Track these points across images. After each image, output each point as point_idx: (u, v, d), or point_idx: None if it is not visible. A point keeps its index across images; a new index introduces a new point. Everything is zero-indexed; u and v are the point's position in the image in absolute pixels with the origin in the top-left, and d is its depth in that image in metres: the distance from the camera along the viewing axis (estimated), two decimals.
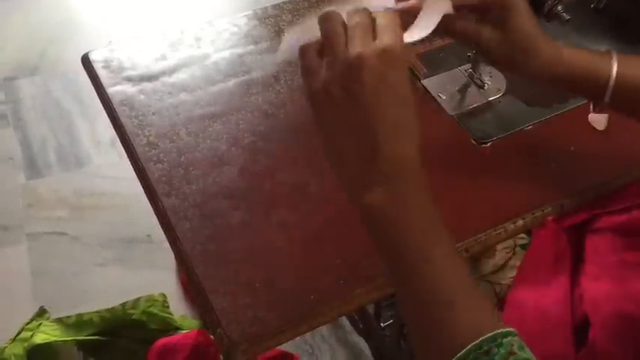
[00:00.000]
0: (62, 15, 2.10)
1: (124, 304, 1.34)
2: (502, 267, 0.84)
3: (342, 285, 0.65)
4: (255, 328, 0.62)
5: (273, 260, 0.67)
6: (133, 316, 1.32)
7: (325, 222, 0.71)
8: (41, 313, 1.36)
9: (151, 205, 0.73)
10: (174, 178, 0.74)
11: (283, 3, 0.96)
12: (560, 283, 0.74)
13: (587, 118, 0.83)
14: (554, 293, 0.74)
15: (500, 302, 0.82)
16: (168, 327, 1.33)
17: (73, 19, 2.09)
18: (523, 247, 0.86)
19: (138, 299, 1.35)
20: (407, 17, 0.60)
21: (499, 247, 0.86)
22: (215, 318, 0.63)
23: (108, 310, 1.33)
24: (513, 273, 0.83)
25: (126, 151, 0.78)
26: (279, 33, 0.92)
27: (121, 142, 0.80)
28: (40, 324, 1.32)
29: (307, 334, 1.30)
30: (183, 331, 1.31)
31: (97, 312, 1.32)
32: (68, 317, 1.32)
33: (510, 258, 0.85)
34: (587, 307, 0.70)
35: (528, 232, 0.86)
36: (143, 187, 0.75)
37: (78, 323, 1.31)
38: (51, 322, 1.32)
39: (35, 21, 2.07)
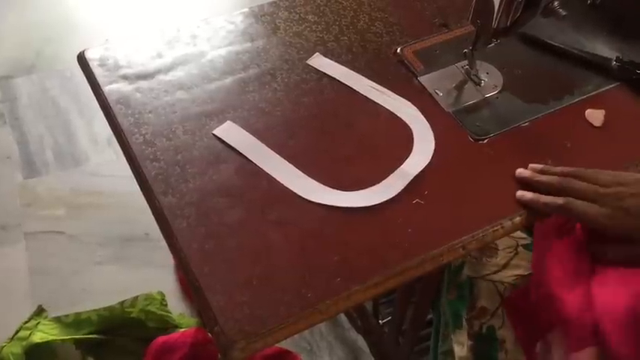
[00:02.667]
0: (59, 13, 2.10)
1: (122, 303, 1.34)
2: (504, 266, 0.84)
3: (339, 282, 0.65)
4: (252, 325, 0.62)
5: (270, 258, 0.67)
6: (131, 315, 1.32)
7: (322, 219, 0.71)
8: (39, 312, 1.36)
9: (148, 203, 0.73)
10: (171, 176, 0.74)
11: (279, 0, 0.96)
12: (581, 287, 0.73)
13: (584, 114, 0.83)
14: (574, 297, 0.73)
15: (504, 301, 0.81)
16: (167, 325, 1.33)
17: (70, 17, 2.09)
18: (525, 247, 0.86)
19: (136, 297, 1.35)
20: None
21: (501, 246, 0.86)
22: (212, 316, 0.63)
23: (106, 308, 1.33)
24: (515, 272, 0.83)
25: (122, 150, 0.78)
26: (275, 30, 0.92)
27: (118, 140, 0.79)
28: (38, 323, 1.32)
29: (306, 331, 1.30)
30: (182, 329, 1.31)
31: (95, 310, 1.32)
32: (66, 316, 1.32)
33: (512, 258, 0.85)
34: (597, 309, 0.70)
35: (530, 232, 0.86)
36: (140, 186, 0.75)
37: (76, 322, 1.31)
38: (49, 320, 1.32)
39: (31, 19, 2.07)
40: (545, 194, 0.72)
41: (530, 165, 0.75)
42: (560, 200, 0.70)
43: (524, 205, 0.73)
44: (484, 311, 0.83)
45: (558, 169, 0.74)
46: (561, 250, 0.79)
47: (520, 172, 0.75)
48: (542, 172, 0.74)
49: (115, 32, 2.01)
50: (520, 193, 0.74)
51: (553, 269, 0.77)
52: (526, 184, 0.74)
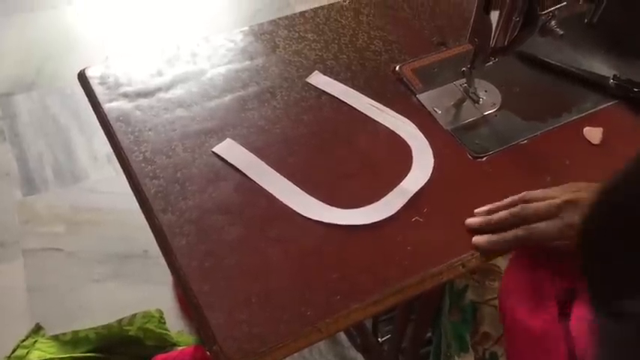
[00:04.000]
0: (59, 31, 2.11)
1: (120, 321, 1.33)
2: None
3: (339, 300, 0.65)
4: (251, 344, 0.62)
5: (270, 276, 0.67)
6: (130, 333, 1.31)
7: (321, 237, 0.71)
8: (37, 329, 1.35)
9: (147, 221, 0.73)
10: (171, 194, 0.74)
11: (279, 19, 0.97)
12: (547, 308, 0.71)
13: (582, 132, 0.83)
14: (542, 319, 0.71)
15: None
16: (165, 343, 1.32)
17: (70, 35, 2.10)
18: None
19: (134, 315, 1.34)
20: None
21: (504, 270, 0.85)
22: (211, 334, 0.62)
23: (104, 326, 1.32)
24: None
25: (122, 167, 0.78)
26: (274, 48, 0.93)
27: (117, 157, 0.80)
28: (36, 341, 1.31)
29: (305, 349, 1.30)
30: (180, 347, 1.30)
31: (93, 329, 1.31)
32: (64, 334, 1.31)
33: None
34: (572, 328, 0.68)
35: None
36: (139, 203, 0.75)
37: (74, 340, 1.30)
38: (47, 339, 1.31)
39: (32, 37, 2.08)
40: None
41: (476, 210, 0.72)
42: (518, 230, 0.67)
43: (485, 251, 0.69)
44: (487, 337, 0.82)
45: (506, 200, 0.71)
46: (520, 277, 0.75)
47: (469, 222, 0.71)
48: (490, 212, 0.71)
49: (114, 50, 2.02)
50: (474, 239, 0.70)
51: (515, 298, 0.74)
52: (481, 231, 0.71)
